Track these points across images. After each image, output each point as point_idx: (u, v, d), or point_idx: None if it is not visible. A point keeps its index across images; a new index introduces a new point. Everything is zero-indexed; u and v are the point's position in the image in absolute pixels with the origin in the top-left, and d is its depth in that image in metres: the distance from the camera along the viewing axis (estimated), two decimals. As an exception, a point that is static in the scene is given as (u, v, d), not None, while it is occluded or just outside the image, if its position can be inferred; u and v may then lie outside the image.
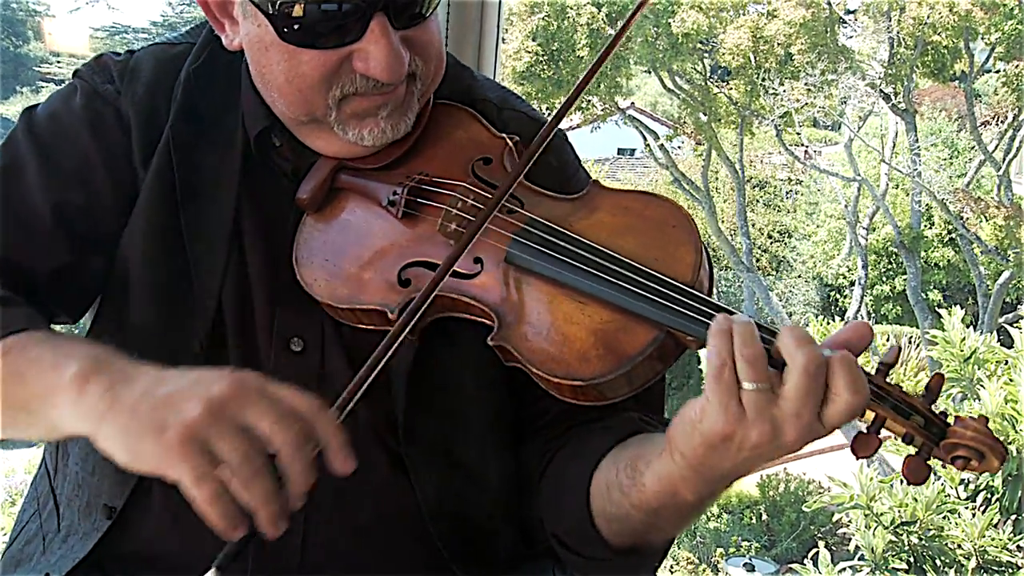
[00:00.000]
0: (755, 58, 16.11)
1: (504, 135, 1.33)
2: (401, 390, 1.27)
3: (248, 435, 0.99)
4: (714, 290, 1.23)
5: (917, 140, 16.35)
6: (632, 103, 19.13)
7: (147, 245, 1.30)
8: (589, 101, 17.02)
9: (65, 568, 1.31)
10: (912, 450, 1.09)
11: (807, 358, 1.03)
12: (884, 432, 1.10)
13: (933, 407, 1.10)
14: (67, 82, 1.41)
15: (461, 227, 1.24)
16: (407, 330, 1.16)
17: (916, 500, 5.43)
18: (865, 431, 1.08)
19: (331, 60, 1.21)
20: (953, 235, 17.55)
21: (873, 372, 1.09)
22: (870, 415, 1.08)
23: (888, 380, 1.09)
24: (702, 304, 1.13)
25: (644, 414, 1.31)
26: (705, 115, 17.32)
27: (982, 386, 5.62)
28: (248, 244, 1.32)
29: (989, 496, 5.50)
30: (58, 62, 18.90)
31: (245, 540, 1.01)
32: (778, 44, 15.97)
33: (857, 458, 1.08)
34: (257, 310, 1.31)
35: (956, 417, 1.10)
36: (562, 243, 1.20)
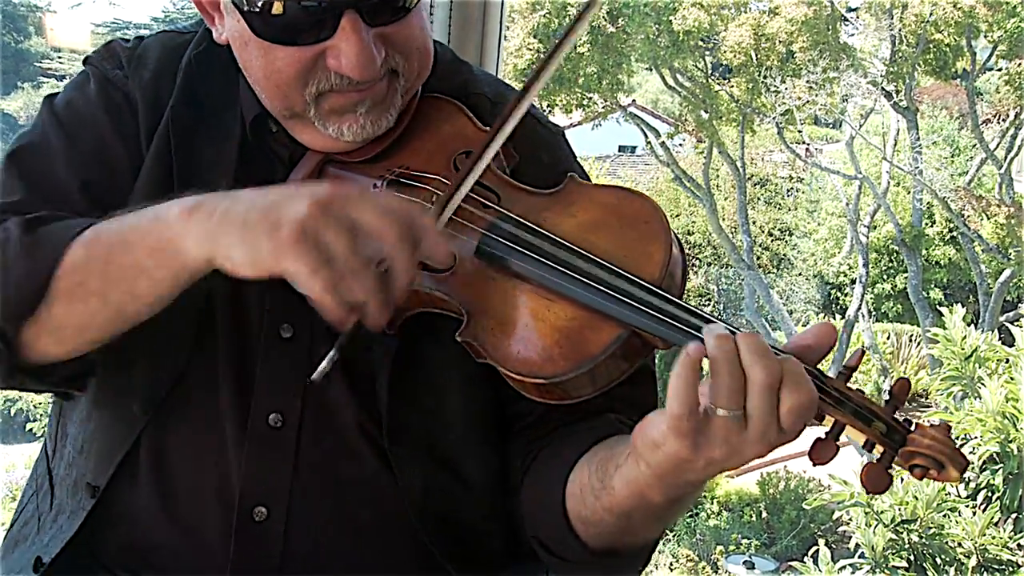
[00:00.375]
0: (756, 56, 16.09)
1: (488, 128, 1.32)
2: (384, 386, 1.28)
3: (357, 230, 1.04)
4: (687, 284, 1.22)
5: (919, 138, 16.33)
6: (633, 100, 19.11)
7: None
8: (590, 98, 17.01)
9: (55, 549, 1.31)
10: (874, 457, 1.07)
11: (763, 375, 1.01)
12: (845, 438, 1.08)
13: (896, 414, 1.07)
14: (74, 73, 1.44)
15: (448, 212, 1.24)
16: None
17: (916, 498, 5.44)
18: (823, 437, 1.06)
19: (305, 57, 1.21)
20: (954, 233, 17.53)
21: (835, 376, 1.08)
22: (829, 420, 1.06)
23: (849, 385, 1.07)
24: (668, 304, 1.12)
25: (629, 416, 1.29)
26: (706, 113, 17.29)
27: (983, 384, 5.63)
28: None
29: (990, 495, 5.50)
30: (59, 58, 18.89)
31: (359, 326, 1.08)
32: (780, 42, 15.95)
33: (814, 464, 1.06)
34: (247, 297, 1.31)
35: (917, 424, 1.07)
36: (531, 238, 1.20)
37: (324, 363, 1.10)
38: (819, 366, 1.09)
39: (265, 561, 1.27)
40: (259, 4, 1.18)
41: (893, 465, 1.06)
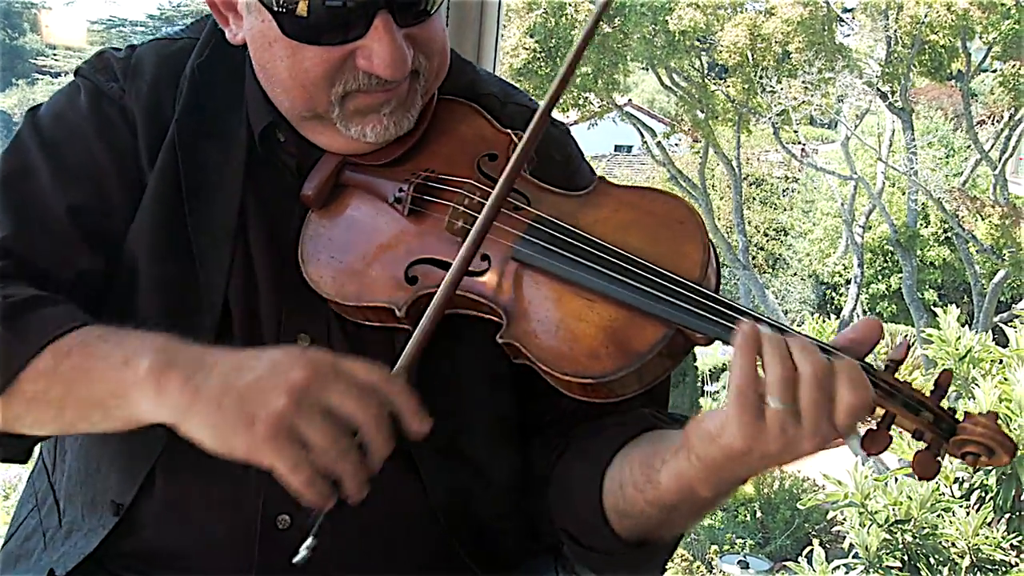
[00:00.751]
0: (752, 56, 16.11)
1: (508, 130, 1.32)
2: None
3: (332, 417, 1.04)
4: (720, 285, 1.23)
5: (914, 139, 16.37)
6: (629, 100, 19.12)
7: (153, 241, 1.30)
8: (586, 98, 17.01)
9: (70, 564, 1.30)
10: (922, 445, 1.10)
11: (813, 368, 1.04)
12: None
13: (942, 403, 1.10)
14: (68, 78, 1.40)
15: (468, 224, 1.23)
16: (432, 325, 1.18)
17: (910, 498, 5.45)
18: (875, 428, 1.09)
19: (334, 57, 1.21)
20: (949, 234, 17.57)
21: (883, 368, 1.10)
22: (880, 412, 1.09)
23: (897, 377, 1.10)
24: (711, 301, 1.13)
25: (656, 409, 1.31)
26: (702, 112, 17.32)
27: (977, 385, 5.63)
28: (253, 240, 1.32)
29: (983, 495, 5.51)
30: (54, 55, 18.85)
31: (335, 507, 1.08)
32: (775, 42, 15.97)
33: (868, 455, 1.10)
34: (263, 306, 1.30)
35: (966, 414, 1.11)
36: (569, 240, 1.20)
37: (302, 552, 1.08)
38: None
39: (288, 567, 1.27)
40: (291, 3, 1.17)
41: (942, 452, 1.10)
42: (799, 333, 1.09)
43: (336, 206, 1.33)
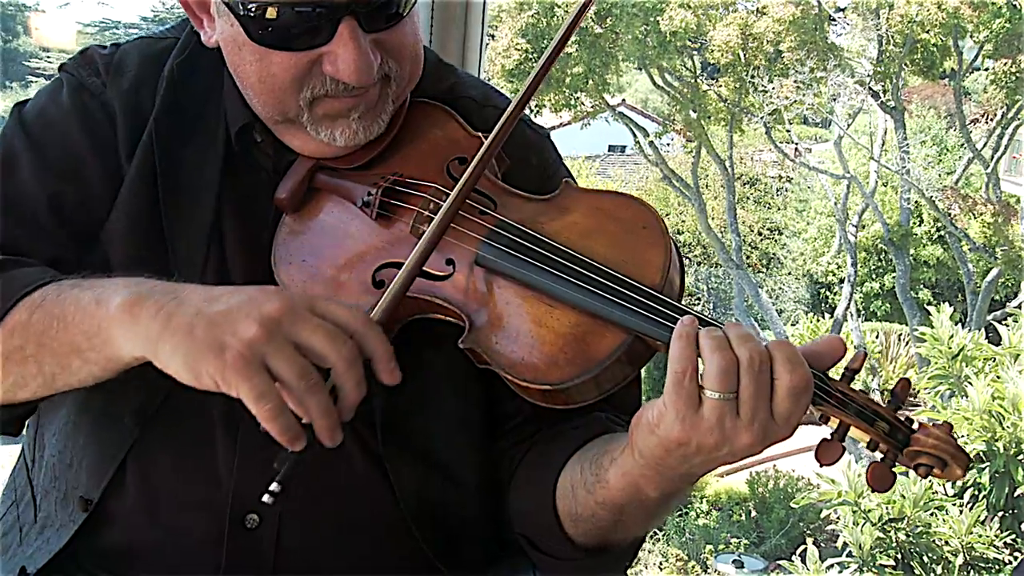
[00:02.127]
0: (744, 55, 16.13)
1: (480, 134, 1.32)
2: (379, 393, 1.27)
3: (302, 351, 1.03)
4: (684, 288, 1.23)
5: (906, 137, 16.41)
6: (623, 100, 19.16)
7: (128, 237, 1.30)
8: (578, 98, 17.02)
9: (41, 561, 1.30)
10: (877, 456, 1.08)
11: (750, 353, 1.03)
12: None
13: (899, 413, 1.09)
14: (54, 77, 1.41)
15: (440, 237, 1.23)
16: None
17: (904, 497, 5.45)
18: (829, 438, 1.07)
19: (301, 62, 1.21)
20: (942, 232, 17.62)
21: (838, 378, 1.09)
22: (835, 422, 1.08)
23: (852, 386, 1.09)
24: (670, 309, 1.12)
25: (616, 415, 1.31)
26: (695, 112, 17.33)
27: (970, 383, 5.65)
28: (228, 239, 1.32)
29: (976, 493, 5.52)
30: (47, 57, 18.81)
31: (304, 455, 1.06)
32: (767, 41, 16.00)
33: (821, 465, 1.08)
34: None
35: (920, 424, 1.09)
36: (531, 245, 1.19)
37: (266, 497, 1.07)
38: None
39: (257, 568, 1.27)
40: (255, 8, 1.17)
41: (897, 463, 1.09)
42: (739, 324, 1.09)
43: (309, 209, 1.33)
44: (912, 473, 1.09)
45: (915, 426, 1.09)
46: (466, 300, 1.21)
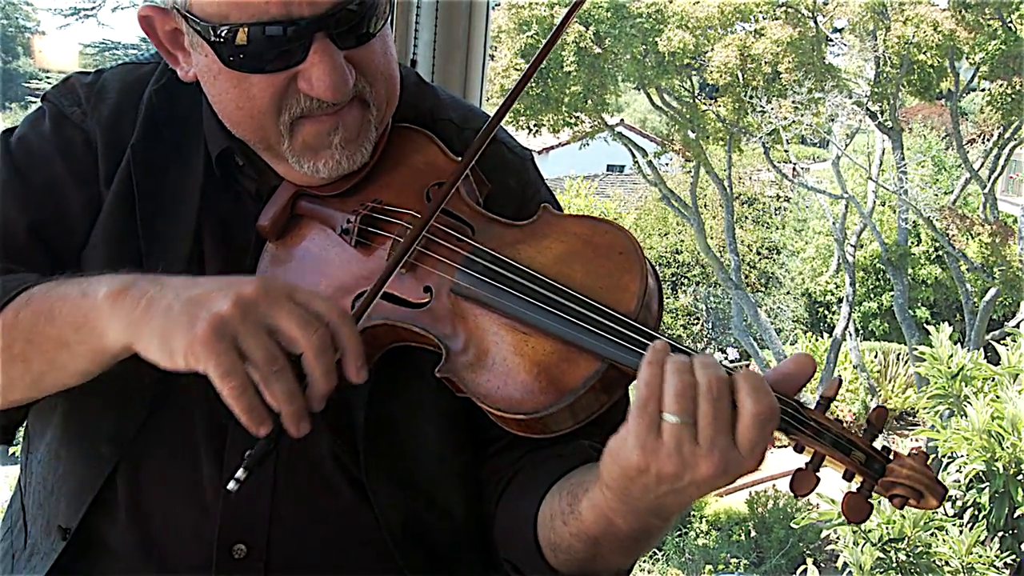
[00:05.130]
0: (742, 76, 16.22)
1: (459, 159, 1.32)
2: (360, 421, 1.27)
3: (274, 335, 1.04)
4: (662, 313, 1.21)
5: (903, 158, 16.46)
6: (621, 120, 19.21)
7: (106, 263, 1.28)
8: (578, 117, 17.08)
9: None
10: (853, 487, 1.07)
11: (708, 379, 1.02)
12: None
13: (874, 443, 1.08)
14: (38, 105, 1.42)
15: (410, 255, 1.24)
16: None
17: (904, 517, 5.45)
18: (804, 468, 1.06)
19: (278, 82, 1.21)
20: (940, 252, 17.65)
21: (812, 407, 1.07)
22: (810, 451, 1.06)
23: (827, 415, 1.07)
24: (644, 336, 1.11)
25: (601, 440, 1.30)
26: (693, 132, 17.40)
27: (969, 403, 5.65)
28: (209, 264, 1.32)
29: (976, 513, 5.51)
30: (48, 78, 18.88)
31: (271, 444, 1.06)
32: (765, 62, 16.08)
33: (796, 496, 1.07)
34: None
35: (895, 453, 1.08)
36: (507, 273, 1.19)
37: (231, 483, 1.06)
38: (799, 397, 1.09)
39: None
40: (226, 32, 1.17)
41: (873, 493, 1.07)
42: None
43: (291, 237, 1.33)
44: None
45: (891, 456, 1.08)
46: (443, 328, 1.21)
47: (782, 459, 8.28)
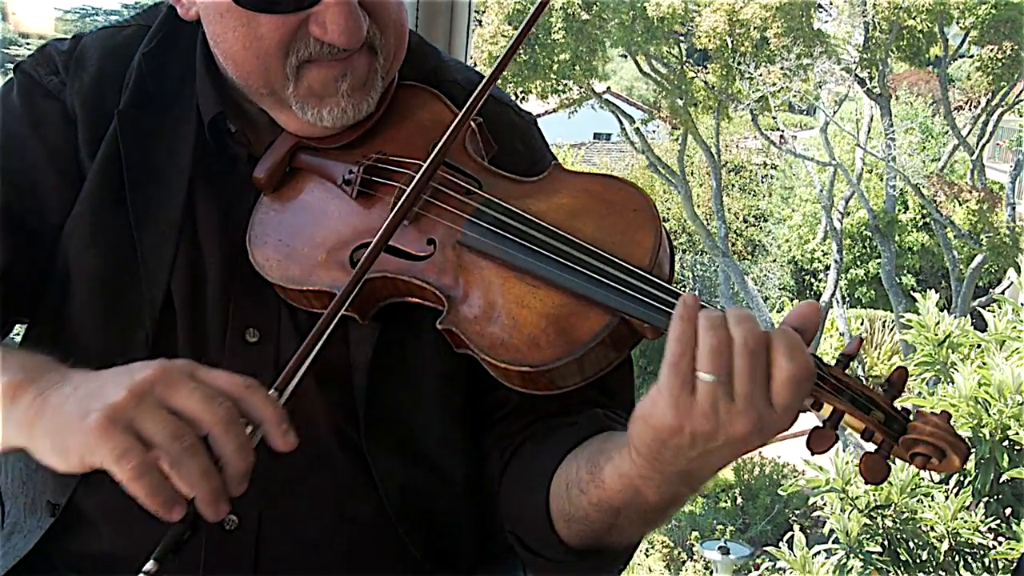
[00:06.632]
0: (731, 42, 16.12)
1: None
2: (362, 383, 1.24)
3: (176, 416, 0.97)
4: (674, 277, 1.18)
5: (892, 125, 16.44)
6: (608, 87, 19.11)
7: (90, 234, 1.26)
8: (565, 85, 16.98)
9: (7, 565, 1.27)
10: (871, 447, 1.04)
11: (744, 335, 0.98)
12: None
13: (895, 402, 1.04)
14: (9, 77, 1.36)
15: (417, 204, 1.20)
16: (345, 305, 1.12)
17: (891, 484, 5.47)
18: (821, 426, 1.02)
19: (289, 24, 1.16)
20: (927, 219, 17.69)
21: (833, 364, 1.04)
22: (828, 409, 1.03)
23: (847, 372, 1.04)
24: (659, 290, 1.08)
25: (612, 410, 1.26)
26: (681, 99, 17.33)
27: (956, 370, 5.66)
28: (202, 232, 1.28)
29: (962, 479, 5.54)
30: (27, 44, 18.59)
31: (185, 530, 0.99)
32: (754, 28, 15.99)
33: (813, 454, 1.03)
34: (210, 299, 1.26)
35: (917, 411, 1.05)
36: (516, 224, 1.16)
37: (165, 539, 0.99)
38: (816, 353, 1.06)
39: (238, 568, 1.23)
40: None
41: (892, 455, 1.04)
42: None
43: (288, 189, 1.29)
44: (899, 460, 1.06)
45: (912, 415, 1.05)
46: (446, 281, 1.17)
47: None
